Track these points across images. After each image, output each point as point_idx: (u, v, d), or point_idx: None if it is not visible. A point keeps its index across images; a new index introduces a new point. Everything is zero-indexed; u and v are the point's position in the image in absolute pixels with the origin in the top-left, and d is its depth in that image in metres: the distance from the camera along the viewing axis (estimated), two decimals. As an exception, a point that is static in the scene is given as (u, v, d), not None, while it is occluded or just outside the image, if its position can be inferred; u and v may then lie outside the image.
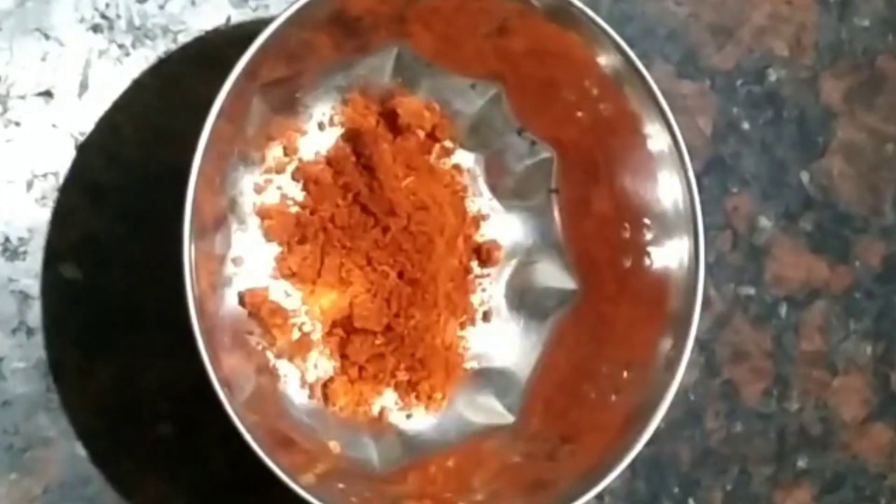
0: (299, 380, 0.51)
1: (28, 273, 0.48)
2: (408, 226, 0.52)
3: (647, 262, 0.52)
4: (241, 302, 0.50)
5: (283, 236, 0.51)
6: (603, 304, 0.54)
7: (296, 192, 0.52)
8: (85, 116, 0.50)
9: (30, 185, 0.49)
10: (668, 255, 0.51)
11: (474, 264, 0.55)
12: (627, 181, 0.52)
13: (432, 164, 0.54)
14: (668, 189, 0.51)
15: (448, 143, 0.54)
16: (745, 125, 0.62)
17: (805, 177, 0.64)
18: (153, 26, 0.51)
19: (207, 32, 0.52)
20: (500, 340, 0.55)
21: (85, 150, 0.50)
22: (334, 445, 0.50)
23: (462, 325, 0.54)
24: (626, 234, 0.53)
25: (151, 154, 0.50)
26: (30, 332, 0.48)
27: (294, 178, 0.52)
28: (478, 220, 0.55)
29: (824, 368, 0.64)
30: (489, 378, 0.54)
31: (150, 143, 0.50)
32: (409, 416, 0.53)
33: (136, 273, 0.50)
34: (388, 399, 0.52)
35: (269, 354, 0.50)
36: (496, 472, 0.51)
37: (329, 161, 0.52)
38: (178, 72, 0.51)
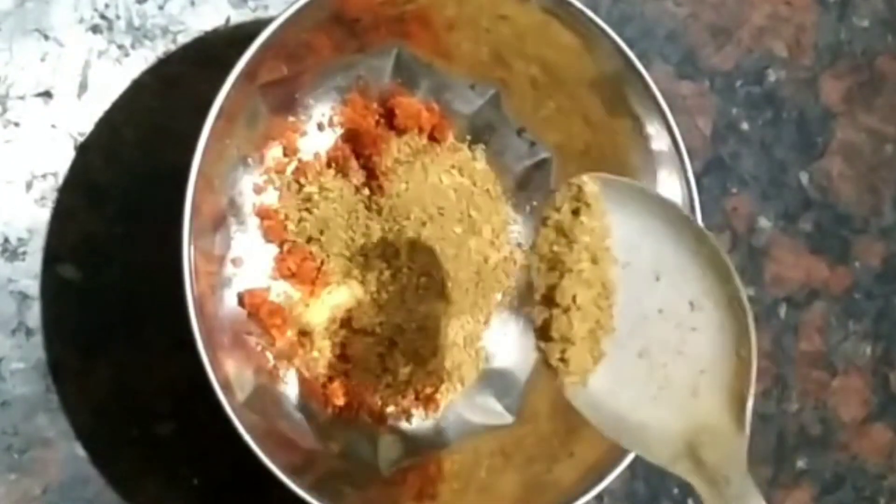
0: (299, 380, 0.51)
1: (27, 273, 0.48)
2: (407, 226, 0.52)
3: (647, 262, 0.52)
4: (241, 302, 0.50)
5: (283, 237, 0.51)
6: (603, 305, 0.54)
7: (295, 192, 0.52)
8: (84, 117, 0.50)
9: (29, 186, 0.49)
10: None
11: (474, 265, 0.55)
12: (627, 181, 0.52)
13: (432, 164, 0.54)
14: (668, 189, 0.51)
15: (448, 143, 0.54)
16: (745, 126, 0.62)
17: (804, 177, 0.64)
18: (153, 27, 0.51)
19: (207, 33, 0.52)
20: (500, 341, 0.55)
21: (84, 150, 0.50)
22: (334, 445, 0.50)
23: (463, 326, 0.54)
24: (626, 235, 0.53)
25: (151, 154, 0.50)
26: (29, 332, 0.48)
27: (294, 178, 0.52)
28: (477, 220, 0.55)
29: (824, 369, 0.64)
30: (489, 378, 0.54)
31: (149, 143, 0.50)
32: (408, 417, 0.53)
33: (136, 273, 0.50)
34: (388, 399, 0.52)
35: (269, 355, 0.50)
36: (496, 472, 0.51)
37: (329, 161, 0.52)
38: (177, 72, 0.51)
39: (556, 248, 0.41)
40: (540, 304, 0.42)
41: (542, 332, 0.42)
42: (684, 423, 0.40)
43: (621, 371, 0.41)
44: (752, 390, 0.40)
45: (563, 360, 0.41)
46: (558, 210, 0.42)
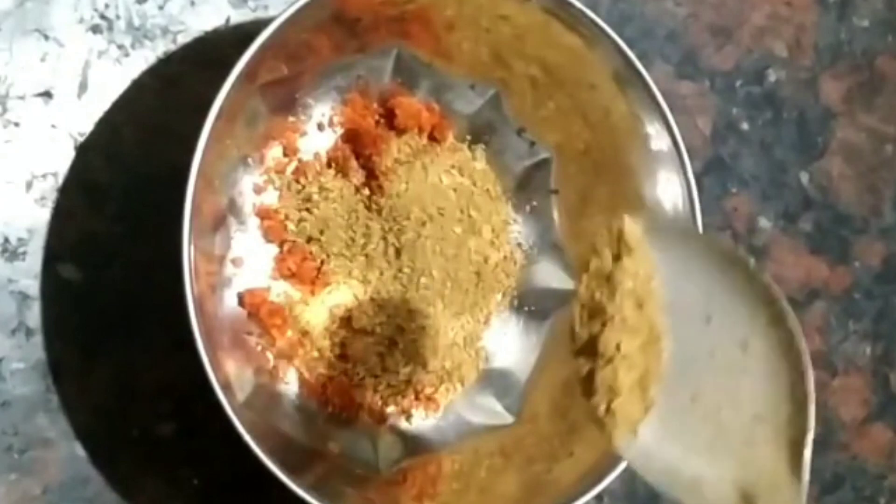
0: (299, 380, 0.51)
1: (27, 273, 0.48)
2: (407, 226, 0.52)
3: (647, 262, 0.52)
4: (241, 302, 0.50)
5: (283, 237, 0.51)
6: (603, 305, 0.54)
7: (295, 192, 0.52)
8: (84, 117, 0.50)
9: (29, 186, 0.49)
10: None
11: (474, 265, 0.55)
12: (627, 181, 0.52)
13: (432, 164, 0.54)
14: (668, 189, 0.51)
15: (448, 143, 0.54)
16: (745, 126, 0.62)
17: (804, 177, 0.64)
18: (153, 27, 0.51)
19: (207, 33, 0.52)
20: (500, 341, 0.55)
21: (84, 150, 0.50)
22: (334, 445, 0.50)
23: (463, 326, 0.54)
24: (627, 235, 0.52)
25: (151, 154, 0.50)
26: (29, 332, 0.48)
27: (294, 178, 0.52)
28: (477, 220, 0.55)
29: (824, 369, 0.64)
30: (489, 378, 0.54)
31: (149, 143, 0.50)
32: (408, 417, 0.53)
33: (136, 273, 0.50)
34: (387, 399, 0.52)
35: (269, 355, 0.50)
36: (496, 472, 0.51)
37: (329, 161, 0.52)
38: (177, 72, 0.51)
39: (597, 295, 0.39)
40: (582, 354, 0.40)
41: (586, 384, 0.39)
42: (739, 473, 0.38)
43: (672, 419, 0.39)
44: (809, 437, 0.38)
45: (609, 411, 0.39)
46: (599, 255, 0.40)
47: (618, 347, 0.39)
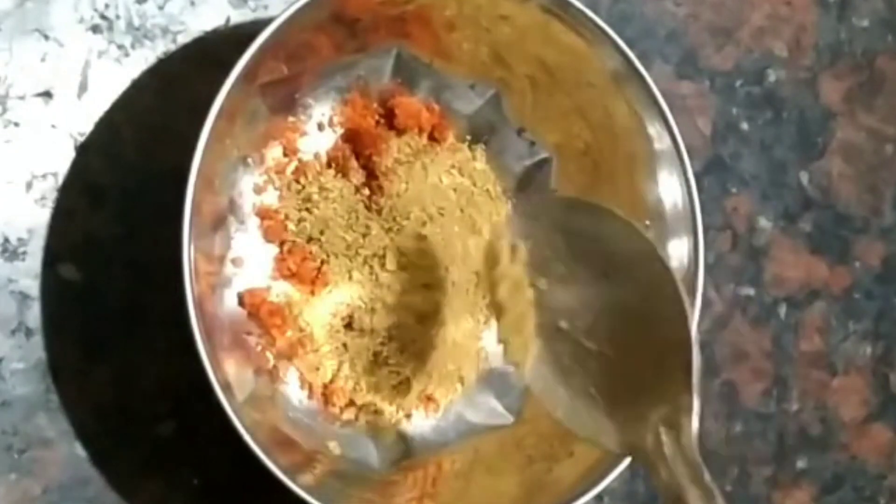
0: (299, 380, 0.51)
1: (27, 274, 0.48)
2: (407, 226, 0.52)
3: (647, 262, 0.52)
4: (241, 302, 0.50)
5: (283, 237, 0.51)
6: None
7: (295, 192, 0.52)
8: (84, 117, 0.50)
9: (29, 186, 0.49)
10: (668, 255, 0.51)
11: (474, 265, 0.55)
12: (627, 181, 0.52)
13: (432, 164, 0.54)
14: (668, 189, 0.51)
15: (448, 143, 0.54)
16: (745, 126, 0.62)
17: (804, 177, 0.64)
18: (152, 27, 0.51)
19: (207, 33, 0.52)
20: (501, 341, 0.55)
21: (84, 150, 0.50)
22: (334, 446, 0.50)
23: (462, 326, 0.54)
24: (626, 235, 0.53)
25: (151, 154, 0.50)
26: (29, 332, 0.48)
27: (294, 178, 0.52)
28: (477, 220, 0.55)
29: (824, 369, 0.64)
30: (489, 378, 0.54)
31: (149, 143, 0.50)
32: (408, 417, 0.53)
33: (136, 273, 0.50)
34: (387, 399, 0.52)
35: (269, 355, 0.50)
36: (496, 472, 0.51)
37: (329, 161, 0.52)
38: (177, 72, 0.51)
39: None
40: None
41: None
42: (658, 407, 0.42)
43: (591, 371, 0.45)
44: (696, 356, 0.41)
45: (505, 348, 0.48)
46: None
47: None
